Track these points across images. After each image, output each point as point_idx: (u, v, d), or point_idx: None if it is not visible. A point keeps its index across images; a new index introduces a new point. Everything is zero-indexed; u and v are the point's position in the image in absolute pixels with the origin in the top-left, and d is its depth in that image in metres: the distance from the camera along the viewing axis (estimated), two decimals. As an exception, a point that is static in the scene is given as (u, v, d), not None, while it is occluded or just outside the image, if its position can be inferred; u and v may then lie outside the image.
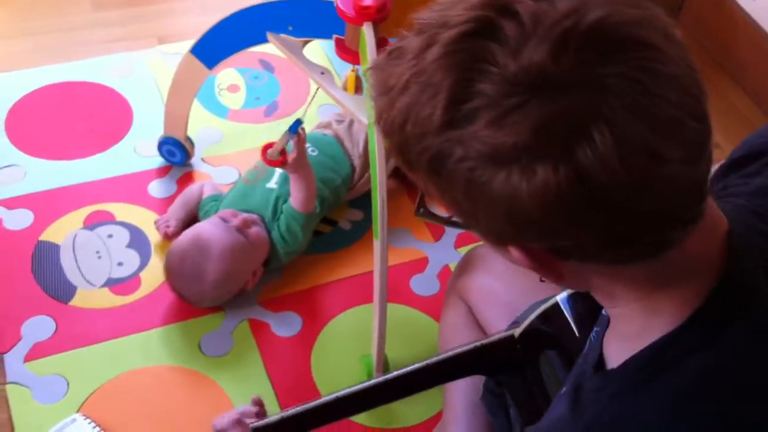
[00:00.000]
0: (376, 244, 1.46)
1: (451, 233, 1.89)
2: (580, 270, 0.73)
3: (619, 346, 0.75)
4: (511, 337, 1.10)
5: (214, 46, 1.70)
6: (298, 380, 1.60)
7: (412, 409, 1.59)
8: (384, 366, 1.57)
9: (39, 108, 2.06)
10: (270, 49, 1.69)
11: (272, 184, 1.76)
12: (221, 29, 1.68)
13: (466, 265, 1.46)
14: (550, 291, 1.34)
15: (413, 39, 0.69)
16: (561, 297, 1.08)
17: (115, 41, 2.27)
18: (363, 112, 1.52)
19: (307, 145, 1.81)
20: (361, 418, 1.55)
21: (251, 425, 1.08)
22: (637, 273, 0.72)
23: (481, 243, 1.52)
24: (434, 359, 1.12)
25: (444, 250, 1.85)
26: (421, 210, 0.80)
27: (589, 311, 1.01)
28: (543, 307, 1.09)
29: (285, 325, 1.68)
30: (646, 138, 0.62)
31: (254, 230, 1.67)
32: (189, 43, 1.73)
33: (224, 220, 1.66)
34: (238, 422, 1.15)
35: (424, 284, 1.79)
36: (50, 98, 2.08)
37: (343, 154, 1.84)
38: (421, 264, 1.83)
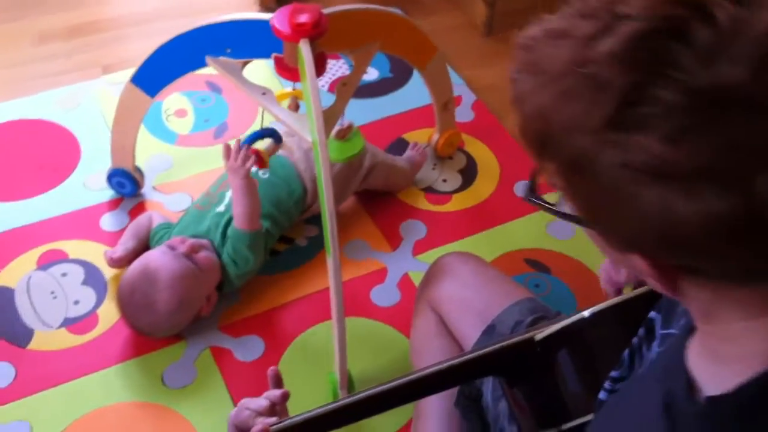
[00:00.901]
0: (329, 261, 1.46)
1: (409, 240, 1.89)
2: (699, 287, 0.69)
3: (720, 370, 0.70)
4: (531, 339, 1.09)
5: (155, 74, 1.69)
6: (264, 404, 1.59)
7: (383, 419, 1.58)
8: (348, 381, 1.57)
9: (-17, 150, 2.04)
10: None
11: (221, 207, 1.75)
12: (160, 56, 1.66)
13: (434, 274, 1.45)
14: (523, 296, 1.35)
15: (579, 22, 0.64)
16: (588, 313, 1.05)
17: (58, 74, 2.26)
18: (306, 130, 1.52)
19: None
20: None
21: (272, 428, 1.00)
22: (753, 293, 0.67)
23: (446, 253, 1.52)
24: (455, 360, 1.10)
25: (402, 259, 1.85)
26: (533, 196, 0.76)
27: (624, 326, 1.01)
28: (568, 320, 1.06)
29: (247, 350, 1.67)
30: None
31: (203, 255, 1.66)
32: (133, 71, 1.72)
33: (171, 247, 1.65)
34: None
35: (384, 295, 1.79)
36: (-6, 139, 2.06)
37: (295, 176, 1.83)
38: (380, 275, 1.82)
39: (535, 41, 0.66)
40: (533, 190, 0.76)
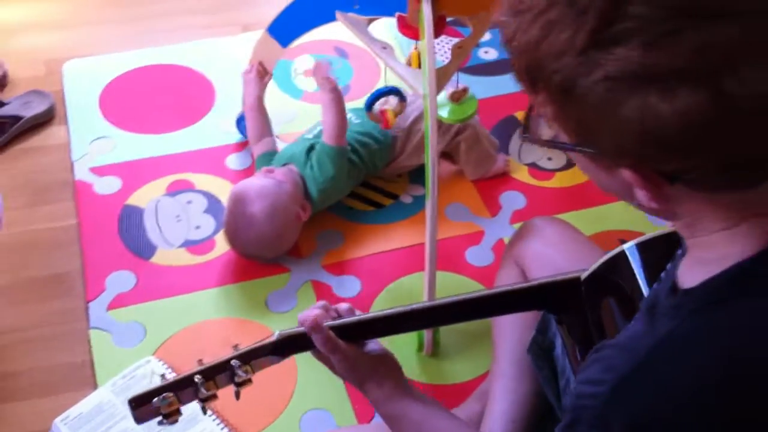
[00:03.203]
0: (428, 203, 1.56)
1: (508, 209, 1.97)
2: (682, 195, 0.75)
3: (697, 270, 0.78)
4: (577, 279, 1.17)
5: (288, 25, 1.86)
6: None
7: (463, 366, 1.68)
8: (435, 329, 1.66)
9: (130, 87, 2.25)
10: (344, 37, 1.79)
11: (310, 135, 1.92)
12: (294, 9, 1.83)
13: (523, 232, 1.53)
14: (599, 258, 1.42)
15: None
16: (628, 246, 1.13)
17: (201, 28, 2.45)
18: (419, 83, 1.63)
19: (352, 115, 1.95)
20: (415, 375, 1.65)
21: (327, 323, 1.13)
22: (731, 201, 0.75)
23: (537, 216, 1.60)
24: (503, 288, 1.21)
25: (499, 225, 1.94)
26: (527, 134, 0.83)
27: (658, 260, 1.05)
28: (610, 254, 1.14)
29: (345, 287, 1.80)
30: None
31: (279, 170, 1.83)
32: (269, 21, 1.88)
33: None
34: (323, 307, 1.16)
35: (478, 255, 1.88)
36: (140, 79, 2.28)
37: None
38: (476, 237, 1.92)
39: None
40: (528, 129, 0.83)
